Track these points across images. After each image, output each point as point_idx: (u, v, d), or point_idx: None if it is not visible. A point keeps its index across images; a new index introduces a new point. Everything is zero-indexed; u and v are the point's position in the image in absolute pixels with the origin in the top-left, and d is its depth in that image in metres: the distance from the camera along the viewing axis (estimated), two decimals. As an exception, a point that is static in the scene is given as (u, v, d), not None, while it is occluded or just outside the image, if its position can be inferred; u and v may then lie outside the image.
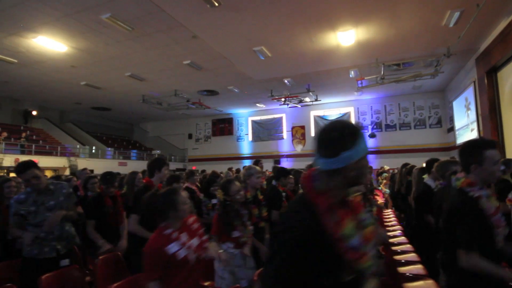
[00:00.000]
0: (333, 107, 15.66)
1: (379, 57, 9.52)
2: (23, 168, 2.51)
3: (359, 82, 10.71)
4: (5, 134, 11.45)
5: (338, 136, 0.92)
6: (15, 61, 9.52)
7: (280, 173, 3.84)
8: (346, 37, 8.23)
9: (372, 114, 15.21)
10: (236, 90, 13.26)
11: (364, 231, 0.94)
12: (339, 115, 15.69)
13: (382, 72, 10.19)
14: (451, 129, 12.73)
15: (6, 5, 6.52)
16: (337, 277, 0.88)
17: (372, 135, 14.50)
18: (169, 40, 8.31)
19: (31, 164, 2.57)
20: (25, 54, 9.06)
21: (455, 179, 1.64)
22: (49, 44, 8.37)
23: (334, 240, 0.87)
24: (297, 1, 6.53)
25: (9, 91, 13.24)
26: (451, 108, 12.40)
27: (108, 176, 3.25)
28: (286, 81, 11.88)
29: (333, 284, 0.87)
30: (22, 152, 11.52)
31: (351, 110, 15.54)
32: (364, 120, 15.28)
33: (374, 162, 13.67)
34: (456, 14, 7.14)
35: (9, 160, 10.61)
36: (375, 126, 15.01)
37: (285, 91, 12.74)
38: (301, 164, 14.73)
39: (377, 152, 14.36)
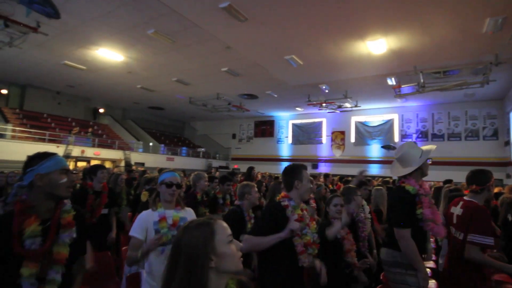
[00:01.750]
0: (375, 113, 15.17)
1: (418, 64, 9.14)
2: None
3: (396, 90, 10.36)
4: (76, 129, 13.54)
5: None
6: (84, 68, 11.30)
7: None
8: (376, 45, 8.15)
9: (417, 122, 14.39)
10: (274, 95, 13.73)
11: None
12: (382, 122, 15.14)
13: (421, 80, 9.78)
14: (508, 142, 11.51)
15: (74, 24, 7.93)
16: None
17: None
18: (206, 50, 9.13)
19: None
20: (91, 62, 10.71)
21: None
22: (109, 54, 9.81)
23: None
24: (321, 13, 6.77)
25: (82, 92, 15.58)
26: (509, 120, 11.23)
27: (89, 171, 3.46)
28: (322, 87, 11.98)
29: None
30: (88, 145, 13.51)
31: (395, 117, 14.89)
32: (409, 128, 14.52)
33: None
34: (498, 21, 6.66)
35: (77, 151, 12.59)
36: (420, 135, 14.17)
37: (321, 97, 12.81)
38: (339, 170, 14.64)
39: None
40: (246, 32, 7.79)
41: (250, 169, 5.49)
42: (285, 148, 18.41)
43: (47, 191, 1.37)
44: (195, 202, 3.33)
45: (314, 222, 2.03)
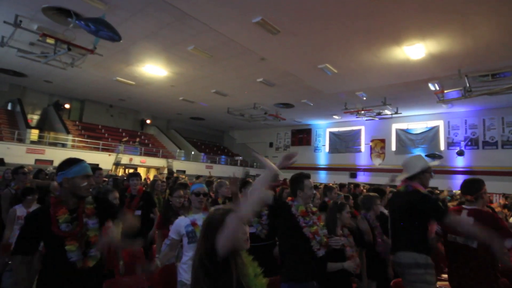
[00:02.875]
0: (418, 120, 14.46)
1: (462, 68, 8.69)
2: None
3: (439, 95, 9.86)
4: (125, 138, 14.78)
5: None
6: (133, 83, 12.39)
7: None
8: (414, 51, 7.92)
9: (466, 128, 13.43)
10: (310, 103, 13.77)
11: None
12: (426, 129, 14.38)
13: (467, 84, 9.23)
14: None
15: (125, 45, 8.82)
16: None
17: (460, 153, 12.90)
18: (242, 62, 9.55)
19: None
20: (139, 78, 11.72)
21: None
22: (154, 70, 10.69)
23: None
24: (352, 22, 6.81)
25: (132, 105, 17.00)
26: None
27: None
28: (359, 94, 11.79)
29: None
30: (135, 153, 14.65)
31: (440, 123, 14.05)
32: (456, 136, 13.60)
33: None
34: (551, 19, 6.16)
35: (125, 159, 13.72)
36: (469, 143, 13.19)
37: (358, 104, 12.58)
38: (378, 180, 14.13)
39: (469, 172, 12.59)
40: (279, 44, 8.05)
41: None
42: (323, 156, 18.20)
43: (71, 191, 1.75)
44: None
45: (321, 220, 2.34)
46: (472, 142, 13.19)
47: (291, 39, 7.78)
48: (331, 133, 17.82)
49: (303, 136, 19.16)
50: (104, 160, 12.61)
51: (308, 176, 2.33)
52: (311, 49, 8.32)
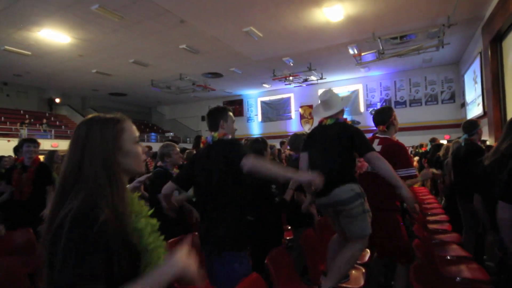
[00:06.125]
0: (340, 85, 15.31)
1: (375, 31, 9.22)
2: None
3: (357, 58, 10.44)
4: (27, 120, 12.60)
5: None
6: (29, 53, 10.36)
7: None
8: (333, 12, 8.05)
9: (381, 91, 14.73)
10: (239, 71, 13.42)
11: None
12: (347, 93, 15.36)
13: (380, 47, 9.90)
14: (463, 104, 12.09)
15: (8, 2, 7.13)
16: None
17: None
18: (160, 26, 8.62)
19: None
20: (36, 46, 9.82)
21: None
22: (54, 36, 9.01)
23: None
24: (273, -21, 6.51)
25: (33, 81, 14.38)
26: (464, 82, 11.74)
27: None
28: (286, 60, 11.83)
29: None
30: (45, 137, 12.67)
31: (359, 87, 15.13)
32: (373, 98, 14.85)
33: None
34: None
35: (32, 144, 11.77)
36: (384, 103, 14.55)
37: (285, 70, 12.70)
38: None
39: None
40: (200, 2, 7.38)
41: (198, 138, 5.43)
42: (255, 126, 18.33)
43: None
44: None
45: None
46: (386, 103, 14.56)
47: (211, -2, 7.18)
48: (263, 102, 17.93)
49: (235, 107, 18.88)
50: (3, 148, 10.59)
51: (231, 110, 2.10)
52: (234, 10, 7.85)
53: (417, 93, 14.01)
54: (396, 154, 2.32)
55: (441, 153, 4.40)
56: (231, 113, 2.04)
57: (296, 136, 3.04)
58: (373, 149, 2.11)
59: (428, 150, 6.78)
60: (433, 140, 6.70)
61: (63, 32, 8.89)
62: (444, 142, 8.99)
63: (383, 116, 2.54)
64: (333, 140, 2.18)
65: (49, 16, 7.89)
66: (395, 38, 9.58)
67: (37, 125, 13.51)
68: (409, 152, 2.76)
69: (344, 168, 2.14)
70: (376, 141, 2.49)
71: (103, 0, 7.17)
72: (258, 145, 2.66)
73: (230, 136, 1.95)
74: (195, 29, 8.94)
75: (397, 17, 8.54)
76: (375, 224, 2.15)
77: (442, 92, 13.55)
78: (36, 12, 7.66)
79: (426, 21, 8.82)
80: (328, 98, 2.33)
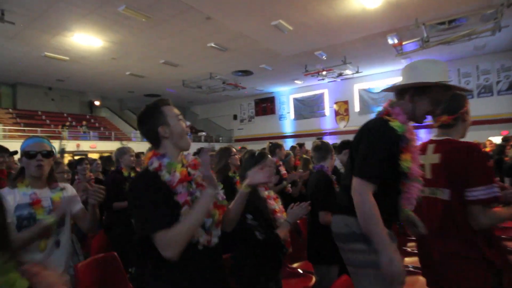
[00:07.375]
0: (379, 78, 14.23)
1: (419, 16, 8.26)
2: None
3: (397, 48, 9.50)
4: (68, 123, 13.24)
5: None
6: (67, 58, 10.80)
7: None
8: (370, -2, 7.31)
9: (425, 83, 13.43)
10: (269, 68, 12.99)
11: None
12: (387, 87, 14.24)
13: (425, 34, 8.90)
14: (525, 95, 10.59)
15: (41, 9, 7.36)
16: None
17: None
18: (186, 24, 8.46)
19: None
20: (72, 51, 10.20)
21: None
22: (86, 40, 9.25)
23: None
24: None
25: (73, 85, 15.16)
26: (526, 70, 10.26)
27: None
28: (318, 54, 11.17)
29: None
30: (84, 139, 13.24)
31: (399, 80, 13.93)
32: (416, 91, 13.62)
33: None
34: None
35: (72, 146, 12.32)
36: (428, 97, 13.26)
37: (318, 65, 12.02)
38: (343, 142, 13.98)
39: (430, 126, 12.71)
40: (224, -2, 7.06)
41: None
42: (288, 124, 17.77)
43: None
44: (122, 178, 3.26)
45: None
46: (431, 96, 13.25)
47: (236, -9, 6.83)
48: (295, 99, 17.31)
49: (266, 105, 18.51)
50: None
51: (167, 102, 1.36)
52: (261, 2, 7.42)
53: (467, 84, 12.55)
54: (466, 164, 1.42)
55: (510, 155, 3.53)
56: (168, 108, 1.35)
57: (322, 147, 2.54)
58: (369, 175, 1.35)
59: (493, 151, 5.67)
60: (506, 139, 5.47)
61: (94, 35, 9.08)
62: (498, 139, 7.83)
63: (452, 103, 1.58)
64: (353, 147, 1.54)
65: (79, 20, 8.06)
66: (442, 23, 8.53)
67: (78, 127, 14.17)
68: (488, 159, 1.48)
69: (345, 195, 1.49)
70: (431, 147, 1.62)
71: (129, 1, 7.13)
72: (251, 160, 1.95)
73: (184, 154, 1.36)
74: (222, 25, 8.66)
75: (444, 0, 7.56)
76: (444, 277, 1.46)
77: (498, 82, 12.00)
78: (66, 17, 7.86)
79: (479, 2, 7.72)
80: (417, 63, 1.56)
